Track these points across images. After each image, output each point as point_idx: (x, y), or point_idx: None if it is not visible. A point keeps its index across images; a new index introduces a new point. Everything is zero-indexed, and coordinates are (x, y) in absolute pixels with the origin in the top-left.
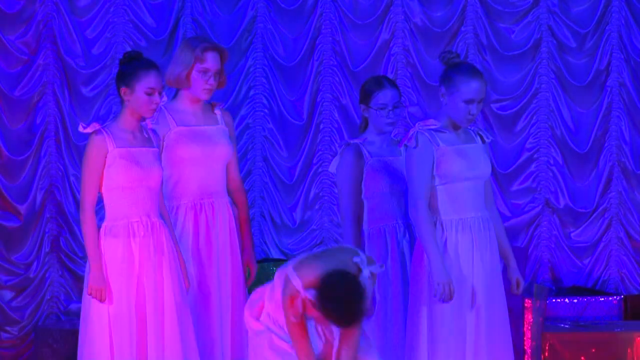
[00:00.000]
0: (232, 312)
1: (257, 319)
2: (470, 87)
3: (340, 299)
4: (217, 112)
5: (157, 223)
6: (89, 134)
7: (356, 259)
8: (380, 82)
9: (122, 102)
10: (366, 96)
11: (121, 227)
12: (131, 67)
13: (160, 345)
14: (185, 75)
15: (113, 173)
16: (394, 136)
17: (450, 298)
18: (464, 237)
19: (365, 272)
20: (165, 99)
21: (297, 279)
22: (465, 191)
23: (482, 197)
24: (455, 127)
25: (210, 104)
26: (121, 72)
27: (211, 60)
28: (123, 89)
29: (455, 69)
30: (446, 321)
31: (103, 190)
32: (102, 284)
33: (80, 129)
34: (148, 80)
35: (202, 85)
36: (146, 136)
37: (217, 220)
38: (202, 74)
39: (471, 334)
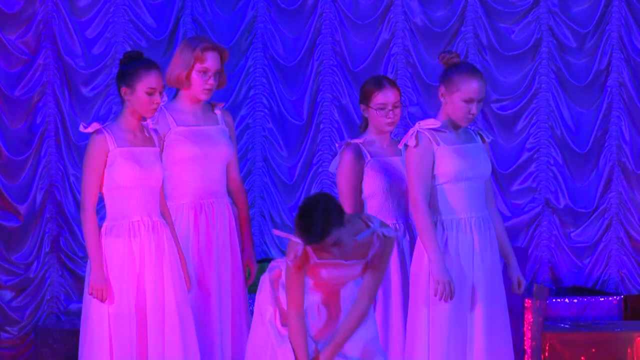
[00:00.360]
0: (232, 312)
1: (273, 283)
2: (470, 87)
3: (304, 209)
4: (218, 112)
5: (158, 223)
6: (89, 134)
7: (363, 215)
8: (380, 82)
9: (122, 102)
10: (366, 96)
11: (122, 227)
12: (132, 67)
13: (160, 345)
14: (185, 75)
15: (114, 172)
16: (394, 136)
17: (451, 297)
18: (464, 237)
19: (374, 226)
20: (165, 99)
21: None
22: (465, 191)
23: (483, 196)
24: (455, 127)
25: (210, 104)
26: (122, 72)
27: (211, 60)
28: (124, 89)
29: (455, 69)
30: (446, 321)
31: (104, 189)
32: (103, 284)
33: (81, 128)
34: (149, 80)
35: (202, 85)
36: (147, 135)
37: (217, 220)
38: (202, 74)
39: (471, 334)
